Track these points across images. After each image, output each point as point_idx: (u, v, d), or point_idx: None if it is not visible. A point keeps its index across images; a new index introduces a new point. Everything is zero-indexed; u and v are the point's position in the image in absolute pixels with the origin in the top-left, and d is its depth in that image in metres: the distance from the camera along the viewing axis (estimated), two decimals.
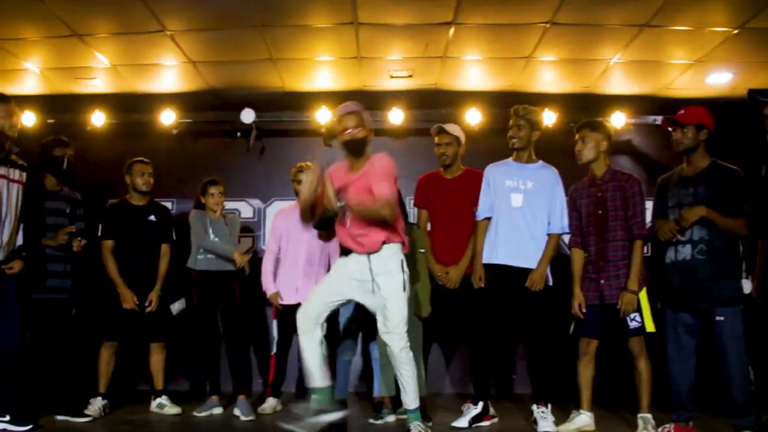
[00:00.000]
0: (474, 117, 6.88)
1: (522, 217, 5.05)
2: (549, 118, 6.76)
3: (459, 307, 5.37)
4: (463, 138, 5.60)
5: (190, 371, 6.94)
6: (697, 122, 4.64)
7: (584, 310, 4.92)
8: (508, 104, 5.42)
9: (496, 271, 5.07)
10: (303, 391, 5.64)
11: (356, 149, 4.49)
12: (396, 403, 5.26)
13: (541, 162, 5.20)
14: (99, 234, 5.79)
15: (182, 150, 7.22)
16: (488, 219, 5.17)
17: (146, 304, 5.71)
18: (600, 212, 4.92)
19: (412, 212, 6.07)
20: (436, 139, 5.57)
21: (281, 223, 5.92)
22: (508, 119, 5.22)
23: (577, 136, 5.06)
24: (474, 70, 6.69)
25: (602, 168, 5.00)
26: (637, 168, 6.90)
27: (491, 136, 6.62)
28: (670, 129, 4.78)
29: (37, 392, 5.33)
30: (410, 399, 4.53)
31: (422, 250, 5.38)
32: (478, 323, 5.11)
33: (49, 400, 5.33)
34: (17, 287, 4.91)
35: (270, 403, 5.81)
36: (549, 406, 5.01)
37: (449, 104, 7.00)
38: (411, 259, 4.94)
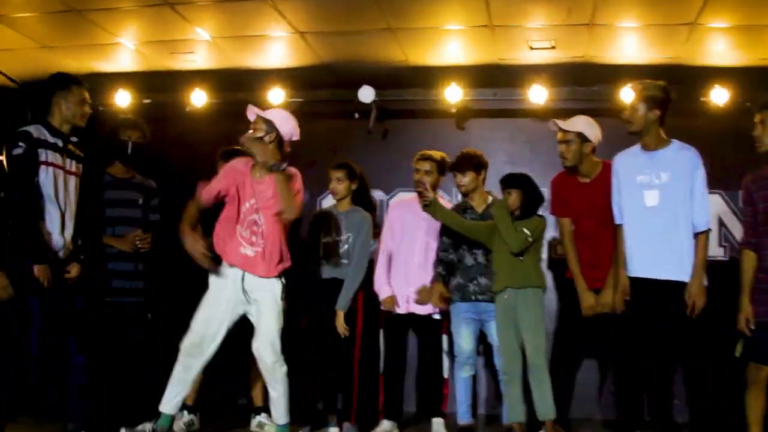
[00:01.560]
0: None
1: (657, 217, 4.19)
2: (720, 96, 5.77)
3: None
4: (590, 132, 4.73)
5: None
6: None
7: (753, 327, 4.05)
8: (669, 80, 4.46)
9: (635, 285, 4.29)
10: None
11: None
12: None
13: (674, 143, 4.29)
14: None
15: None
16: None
17: None
18: None
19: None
20: (558, 136, 4.80)
21: (396, 215, 5.31)
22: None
23: (757, 118, 4.12)
24: (628, 40, 5.58)
25: None
26: None
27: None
28: None
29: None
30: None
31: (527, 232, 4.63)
32: (623, 345, 4.42)
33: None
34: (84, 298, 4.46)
35: (383, 427, 5.07)
36: None
37: (600, 80, 5.97)
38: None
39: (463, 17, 5.26)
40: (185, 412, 4.98)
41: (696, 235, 4.19)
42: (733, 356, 4.14)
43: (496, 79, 6.14)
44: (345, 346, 5.03)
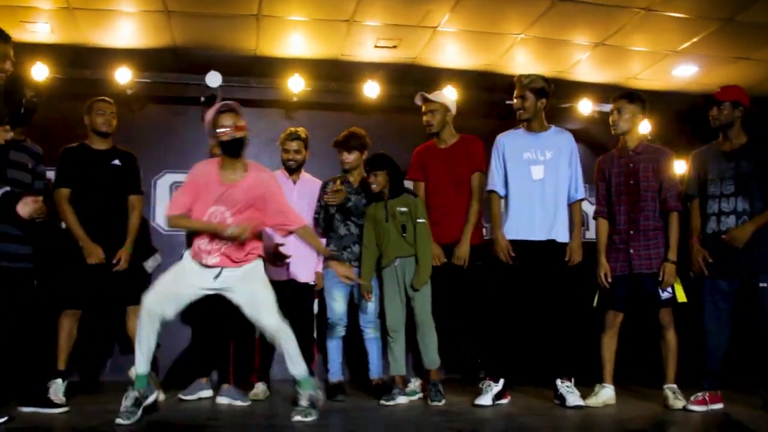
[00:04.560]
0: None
1: (543, 188, 4.91)
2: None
3: (466, 286, 5.20)
4: (452, 104, 5.45)
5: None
6: (734, 99, 4.75)
7: (609, 281, 4.87)
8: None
9: (516, 246, 4.88)
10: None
11: (234, 150, 4.33)
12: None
13: (554, 127, 5.10)
14: (53, 182, 5.03)
15: (134, 113, 6.46)
16: (497, 193, 5.03)
17: (114, 261, 4.98)
18: (632, 182, 4.88)
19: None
20: (423, 108, 5.41)
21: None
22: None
23: (613, 107, 5.00)
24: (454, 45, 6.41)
25: (635, 140, 4.97)
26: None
27: (469, 117, 6.25)
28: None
29: None
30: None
31: (422, 220, 5.06)
32: (497, 298, 4.92)
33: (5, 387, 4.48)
34: None
35: (258, 389, 5.32)
36: (573, 380, 4.88)
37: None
38: (410, 228, 5.03)
39: (327, 10, 5.74)
40: (59, 380, 4.83)
41: (573, 203, 4.98)
42: (590, 307, 4.96)
43: (335, 73, 6.67)
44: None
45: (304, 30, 6.05)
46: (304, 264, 5.43)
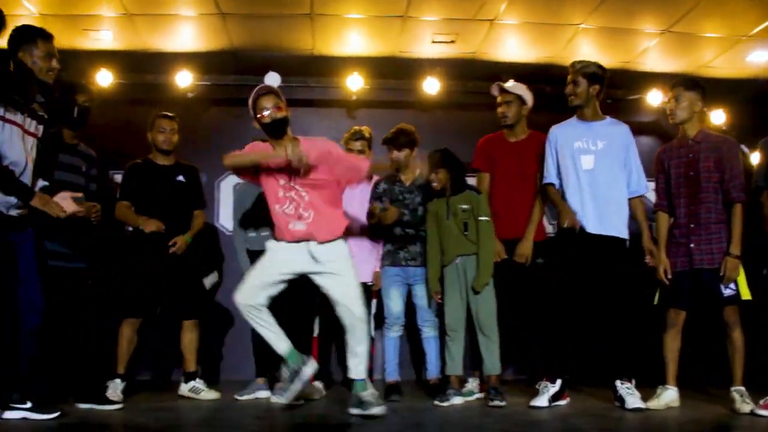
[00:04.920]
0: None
1: (593, 179, 4.72)
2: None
3: (527, 284, 5.08)
4: (528, 97, 5.31)
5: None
6: None
7: (669, 276, 4.65)
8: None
9: (571, 238, 4.70)
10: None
11: (278, 131, 4.27)
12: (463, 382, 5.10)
13: (609, 118, 4.90)
14: (117, 196, 5.16)
15: (195, 116, 6.52)
16: (553, 185, 4.88)
17: (170, 244, 5.07)
18: (692, 173, 4.64)
19: None
20: (498, 99, 5.26)
21: None
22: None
23: (670, 95, 4.78)
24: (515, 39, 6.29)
25: (695, 129, 4.73)
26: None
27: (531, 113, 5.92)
28: None
29: (54, 375, 4.59)
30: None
31: (485, 218, 4.91)
32: (557, 297, 4.75)
33: (67, 385, 4.65)
34: (37, 249, 4.19)
35: (316, 388, 5.25)
36: (633, 381, 4.66)
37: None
38: (473, 225, 4.88)
39: (383, 6, 5.69)
40: (118, 381, 4.96)
41: (633, 198, 4.77)
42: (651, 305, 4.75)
43: (394, 70, 6.60)
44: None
45: (359, 27, 6.01)
46: (362, 264, 5.36)
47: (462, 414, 4.61)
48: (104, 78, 6.17)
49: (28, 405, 4.07)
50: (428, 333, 5.24)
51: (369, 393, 4.23)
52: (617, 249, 4.69)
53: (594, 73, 4.79)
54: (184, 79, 6.28)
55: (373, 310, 5.51)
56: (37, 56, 4.11)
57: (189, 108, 6.37)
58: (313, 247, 4.23)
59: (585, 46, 6.27)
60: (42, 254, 4.31)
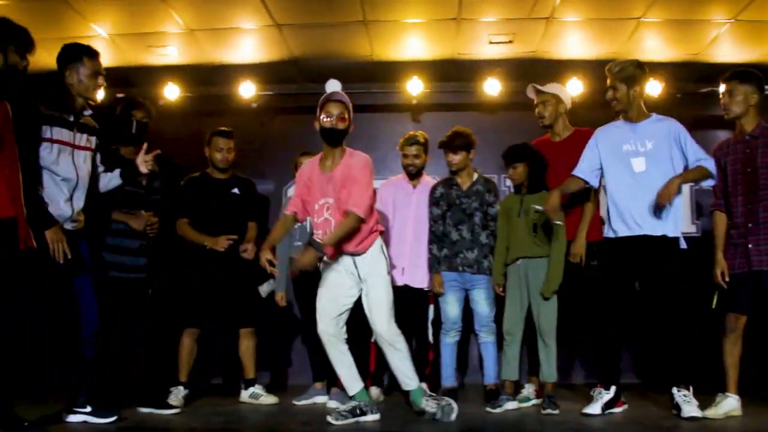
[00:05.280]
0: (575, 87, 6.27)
1: (647, 181, 4.52)
2: (655, 88, 6.28)
3: (582, 285, 4.90)
4: (565, 96, 5.23)
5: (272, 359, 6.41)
6: None
7: (727, 279, 4.43)
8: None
9: (622, 244, 4.58)
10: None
11: (333, 140, 4.36)
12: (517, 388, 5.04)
13: (655, 115, 4.70)
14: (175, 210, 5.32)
15: (260, 126, 6.71)
16: (581, 180, 4.73)
17: (241, 249, 5.20)
18: (749, 170, 4.40)
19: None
20: (535, 100, 5.24)
21: (388, 194, 5.53)
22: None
23: (723, 89, 4.55)
24: (576, 36, 6.15)
25: (752, 123, 4.48)
26: None
27: (595, 109, 5.96)
28: None
29: (116, 381, 4.89)
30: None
31: (559, 223, 4.80)
32: (607, 301, 4.61)
33: (130, 390, 4.87)
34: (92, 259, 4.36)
35: (372, 393, 5.24)
36: (691, 389, 4.43)
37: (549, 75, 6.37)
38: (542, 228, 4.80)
39: (435, 9, 5.67)
40: (181, 387, 5.11)
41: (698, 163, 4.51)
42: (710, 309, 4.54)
43: (453, 73, 6.58)
44: None
45: (414, 31, 6.03)
46: (419, 269, 5.40)
47: (510, 421, 4.54)
48: (171, 92, 6.41)
49: (88, 409, 4.29)
50: (485, 338, 5.18)
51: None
52: (672, 249, 4.52)
53: (632, 76, 4.62)
54: (247, 90, 6.44)
55: (431, 315, 5.49)
56: (84, 74, 4.23)
57: (254, 118, 6.55)
58: (354, 259, 4.39)
59: (650, 40, 6.09)
60: (99, 265, 4.54)
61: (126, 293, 4.83)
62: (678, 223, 4.57)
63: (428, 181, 5.51)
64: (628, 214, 4.56)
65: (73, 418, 4.28)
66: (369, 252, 4.40)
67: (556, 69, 6.23)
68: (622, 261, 4.56)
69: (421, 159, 5.41)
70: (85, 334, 4.28)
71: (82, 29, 5.83)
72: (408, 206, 5.46)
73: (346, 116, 4.36)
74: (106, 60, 6.12)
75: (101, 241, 4.76)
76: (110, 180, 4.59)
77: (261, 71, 6.49)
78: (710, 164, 4.51)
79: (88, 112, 4.37)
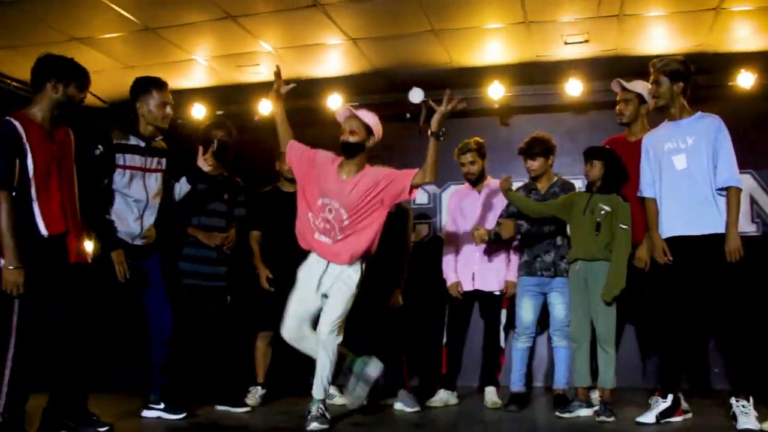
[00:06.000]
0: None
1: (690, 178, 4.39)
2: (746, 80, 6.05)
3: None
4: (647, 96, 5.00)
5: None
6: None
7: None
8: (697, 68, 4.69)
9: (671, 245, 4.45)
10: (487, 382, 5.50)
11: (346, 152, 4.59)
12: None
13: (699, 113, 4.51)
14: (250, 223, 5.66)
15: None
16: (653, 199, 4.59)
17: None
18: None
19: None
20: (618, 96, 5.15)
21: (455, 204, 5.73)
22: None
23: None
24: (655, 30, 5.92)
25: None
26: None
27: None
28: None
29: (198, 382, 5.36)
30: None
31: (625, 227, 4.74)
32: (661, 307, 4.51)
33: (210, 390, 5.26)
34: (163, 270, 4.80)
35: (440, 396, 5.41)
36: (751, 399, 4.22)
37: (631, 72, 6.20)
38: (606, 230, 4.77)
39: (500, 15, 5.69)
40: (258, 388, 5.50)
41: (724, 190, 4.34)
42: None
43: (534, 75, 6.57)
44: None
45: (487, 36, 6.06)
46: (492, 273, 5.48)
47: (566, 428, 4.56)
48: (265, 107, 6.83)
49: (162, 406, 4.77)
50: (558, 342, 5.17)
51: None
52: (717, 246, 4.31)
53: (676, 71, 4.47)
54: (335, 102, 6.73)
55: (503, 320, 5.52)
56: (153, 105, 4.64)
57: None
58: (330, 268, 4.58)
59: (735, 30, 5.77)
60: (172, 275, 4.98)
61: (202, 300, 5.22)
62: (722, 217, 4.35)
63: (493, 183, 5.56)
64: (677, 214, 4.44)
65: (147, 414, 4.77)
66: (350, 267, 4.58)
67: (641, 65, 6.00)
68: (672, 263, 4.44)
69: (477, 165, 5.49)
70: (157, 340, 4.73)
71: (180, 54, 6.35)
72: (475, 211, 5.54)
73: (355, 130, 4.58)
74: (204, 81, 6.70)
75: (177, 252, 5.19)
76: (181, 188, 4.99)
77: (347, 83, 6.77)
78: (738, 182, 4.31)
79: (159, 137, 4.77)
